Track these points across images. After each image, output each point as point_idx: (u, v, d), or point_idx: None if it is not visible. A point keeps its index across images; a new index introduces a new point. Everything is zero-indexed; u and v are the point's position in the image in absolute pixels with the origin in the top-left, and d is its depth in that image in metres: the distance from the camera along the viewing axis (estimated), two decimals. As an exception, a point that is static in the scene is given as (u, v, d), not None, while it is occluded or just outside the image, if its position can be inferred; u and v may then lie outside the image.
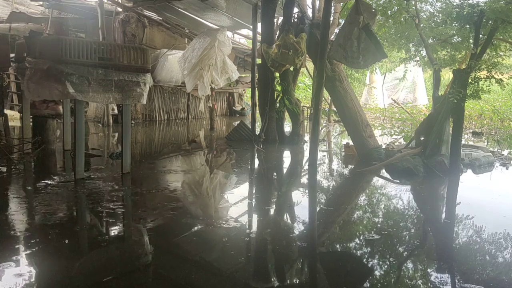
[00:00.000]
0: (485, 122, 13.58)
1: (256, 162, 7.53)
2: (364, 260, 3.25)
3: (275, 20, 9.60)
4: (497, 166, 7.29)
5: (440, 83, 7.70)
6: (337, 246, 3.61)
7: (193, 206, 4.60)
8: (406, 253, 3.46)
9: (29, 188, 5.08)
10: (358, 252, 3.43)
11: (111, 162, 6.43)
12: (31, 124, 7.08)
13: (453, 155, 6.26)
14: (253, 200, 5.08)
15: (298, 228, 4.08)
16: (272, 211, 4.59)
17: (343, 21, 8.09)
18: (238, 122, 9.94)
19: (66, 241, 3.44)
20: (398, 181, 6.05)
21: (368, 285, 2.84)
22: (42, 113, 7.13)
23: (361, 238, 3.75)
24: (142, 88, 5.29)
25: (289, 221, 4.29)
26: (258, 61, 9.71)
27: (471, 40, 6.87)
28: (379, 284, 2.86)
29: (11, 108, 10.27)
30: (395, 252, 3.44)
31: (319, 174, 6.35)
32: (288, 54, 7.74)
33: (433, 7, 8.04)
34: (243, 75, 15.23)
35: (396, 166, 6.35)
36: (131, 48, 5.37)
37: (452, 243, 3.79)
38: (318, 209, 4.79)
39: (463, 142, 7.44)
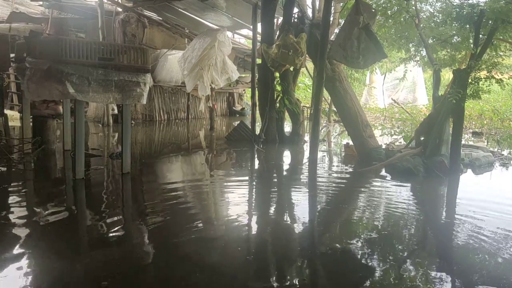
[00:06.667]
0: (485, 122, 13.56)
1: (256, 162, 7.53)
2: (364, 260, 3.25)
3: (275, 20, 9.60)
4: (497, 166, 7.29)
5: (440, 83, 7.69)
6: (337, 245, 3.61)
7: (193, 206, 4.59)
8: (406, 253, 3.46)
9: (28, 188, 5.08)
10: (358, 252, 3.43)
11: (111, 162, 6.43)
12: (31, 124, 7.07)
13: (453, 155, 6.25)
14: (253, 200, 5.08)
15: (298, 228, 4.08)
16: (271, 211, 4.59)
17: (343, 21, 8.09)
18: (238, 122, 9.94)
19: (65, 242, 3.44)
20: (398, 181, 6.05)
21: (368, 285, 2.84)
22: (42, 113, 7.12)
23: (361, 237, 3.75)
24: (142, 88, 5.29)
25: (289, 221, 4.29)
26: (258, 61, 9.70)
27: (471, 40, 6.87)
28: (379, 284, 2.86)
29: (11, 108, 10.27)
30: (395, 252, 3.44)
31: (319, 174, 6.34)
32: (288, 54, 7.74)
33: (433, 7, 8.05)
34: (243, 75, 15.21)
35: (396, 166, 6.35)
36: (131, 48, 5.37)
37: (452, 243, 3.78)
38: (318, 208, 4.79)
39: (463, 142, 7.44)
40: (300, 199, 5.14)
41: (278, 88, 8.97)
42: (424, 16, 7.95)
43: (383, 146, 7.90)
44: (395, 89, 18.99)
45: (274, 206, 4.82)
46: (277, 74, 8.82)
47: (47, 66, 4.58)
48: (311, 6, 9.39)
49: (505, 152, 8.56)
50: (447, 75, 14.01)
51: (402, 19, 7.53)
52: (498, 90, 11.71)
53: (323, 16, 6.57)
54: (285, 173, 6.82)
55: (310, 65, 11.84)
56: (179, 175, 6.29)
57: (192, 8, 10.71)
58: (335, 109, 10.59)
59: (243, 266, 3.11)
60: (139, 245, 3.45)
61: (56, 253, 3.16)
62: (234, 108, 16.35)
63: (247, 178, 6.26)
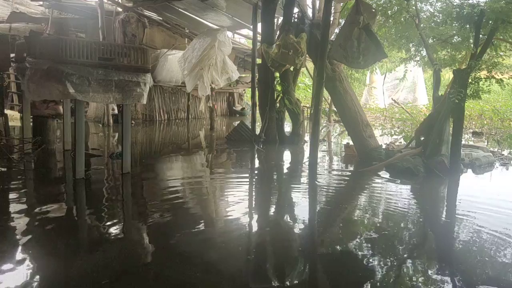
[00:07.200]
0: (485, 122, 13.56)
1: (256, 162, 7.53)
2: (364, 260, 3.24)
3: (275, 20, 9.59)
4: (497, 166, 7.29)
5: (440, 83, 7.69)
6: (337, 245, 3.61)
7: (193, 206, 4.59)
8: (406, 253, 3.46)
9: (28, 188, 5.08)
10: (358, 252, 3.43)
11: (111, 162, 6.43)
12: (31, 124, 7.07)
13: (453, 155, 6.25)
14: (254, 199, 5.08)
15: (299, 227, 4.08)
16: (272, 211, 4.59)
17: (343, 21, 8.09)
18: (238, 122, 9.94)
19: (65, 241, 3.44)
20: (398, 181, 6.05)
21: (368, 285, 2.84)
22: (42, 113, 7.12)
23: (361, 237, 3.74)
24: (142, 88, 5.29)
25: (289, 221, 4.28)
26: (258, 61, 9.70)
27: (471, 40, 6.87)
28: (378, 284, 2.85)
29: (11, 108, 10.27)
30: (395, 252, 3.44)
31: (319, 174, 6.35)
32: (288, 54, 7.74)
33: (433, 7, 8.04)
34: (243, 75, 15.21)
35: (396, 166, 6.35)
36: (131, 48, 5.37)
37: (453, 243, 3.78)
38: (318, 208, 4.79)
39: (463, 142, 7.44)
40: (300, 199, 5.14)
41: (278, 88, 8.96)
42: (424, 16, 7.95)
43: (383, 146, 7.90)
44: (395, 89, 18.98)
45: (275, 206, 4.82)
46: (277, 74, 8.82)
47: (47, 66, 4.58)
48: (311, 6, 9.39)
49: (505, 152, 8.56)
50: (447, 75, 13.99)
51: (402, 19, 7.53)
52: (498, 90, 11.70)
53: (323, 16, 6.57)
54: (285, 173, 6.82)
55: (310, 65, 11.84)
56: (180, 175, 6.28)
57: (192, 8, 10.71)
58: (335, 109, 10.59)
59: (244, 265, 3.11)
60: (139, 244, 3.45)
61: (56, 253, 3.16)
62: (234, 108, 16.35)
63: (247, 178, 6.26)
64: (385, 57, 7.10)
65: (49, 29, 10.91)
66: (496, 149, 8.78)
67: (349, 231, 3.98)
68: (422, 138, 6.85)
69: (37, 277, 2.75)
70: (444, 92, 7.02)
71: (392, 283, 2.87)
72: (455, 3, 7.15)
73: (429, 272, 3.08)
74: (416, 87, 19.15)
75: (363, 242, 3.62)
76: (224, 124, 13.67)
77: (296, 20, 8.30)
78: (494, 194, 5.58)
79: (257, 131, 9.28)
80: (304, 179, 6.18)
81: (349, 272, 3.08)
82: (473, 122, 13.66)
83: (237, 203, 4.78)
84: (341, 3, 9.83)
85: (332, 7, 8.32)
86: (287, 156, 8.21)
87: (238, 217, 4.19)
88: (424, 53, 8.34)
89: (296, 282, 2.89)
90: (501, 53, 7.37)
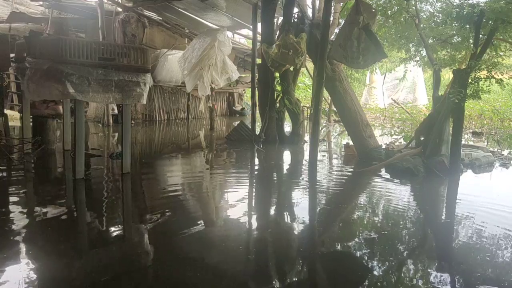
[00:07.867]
0: (485, 122, 13.56)
1: (256, 162, 7.53)
2: (364, 260, 3.25)
3: (275, 20, 9.60)
4: (497, 166, 7.29)
5: (440, 83, 7.69)
6: (337, 245, 3.61)
7: (193, 206, 4.59)
8: (405, 253, 3.46)
9: (28, 188, 5.07)
10: (358, 251, 3.43)
11: (111, 162, 6.43)
12: (31, 124, 7.07)
13: (453, 155, 6.25)
14: (254, 199, 5.08)
15: (298, 227, 4.08)
16: (272, 211, 4.59)
17: (343, 21, 8.09)
18: (238, 122, 9.94)
19: (65, 241, 3.44)
20: (398, 181, 6.05)
21: (368, 285, 2.84)
22: (42, 113, 7.12)
23: (360, 237, 3.75)
24: (142, 88, 5.29)
25: (289, 220, 4.29)
26: (258, 61, 9.70)
27: (471, 40, 6.87)
28: (378, 284, 2.86)
29: (11, 108, 10.27)
30: (395, 252, 3.44)
31: (319, 174, 6.35)
32: (288, 54, 7.74)
33: (433, 7, 8.05)
34: (243, 75, 15.21)
35: (396, 166, 6.35)
36: (131, 48, 5.37)
37: (453, 243, 3.78)
38: (318, 208, 4.79)
39: (463, 142, 7.44)
40: (300, 199, 5.14)
41: (278, 88, 8.96)
42: (424, 16, 7.95)
43: (383, 146, 7.90)
44: (395, 89, 18.97)
45: (274, 206, 4.82)
46: (277, 74, 8.82)
47: (47, 66, 4.57)
48: (311, 6, 9.39)
49: (505, 152, 8.56)
50: (447, 75, 13.99)
51: (402, 19, 7.54)
52: (498, 90, 11.71)
53: (323, 16, 6.57)
54: (285, 173, 6.82)
55: (310, 65, 11.84)
56: (179, 175, 6.29)
57: (192, 8, 10.72)
58: (335, 109, 10.59)
59: (244, 265, 3.11)
60: (139, 245, 3.44)
61: (56, 253, 3.16)
62: (234, 108, 16.35)
63: (247, 178, 6.26)
64: (384, 57, 7.10)
65: (49, 29, 10.90)
66: (496, 149, 8.78)
67: (349, 231, 3.98)
68: (422, 138, 6.85)
69: (37, 276, 2.75)
70: (444, 92, 7.02)
71: (392, 283, 2.87)
72: (455, 3, 7.16)
73: (429, 271, 3.09)
74: (416, 87, 19.13)
75: (363, 242, 3.62)
76: (224, 124, 13.67)
77: (296, 20, 8.30)
78: (494, 193, 5.58)
79: (257, 131, 9.28)
80: (304, 179, 6.18)
81: (349, 271, 3.08)
82: (473, 122, 13.66)
83: (237, 203, 4.78)
84: (341, 3, 9.84)
85: (332, 7, 8.33)
86: (287, 156, 8.21)
87: (238, 217, 4.19)
88: (424, 53, 8.35)
89: (296, 281, 2.89)
90: (501, 53, 7.37)
